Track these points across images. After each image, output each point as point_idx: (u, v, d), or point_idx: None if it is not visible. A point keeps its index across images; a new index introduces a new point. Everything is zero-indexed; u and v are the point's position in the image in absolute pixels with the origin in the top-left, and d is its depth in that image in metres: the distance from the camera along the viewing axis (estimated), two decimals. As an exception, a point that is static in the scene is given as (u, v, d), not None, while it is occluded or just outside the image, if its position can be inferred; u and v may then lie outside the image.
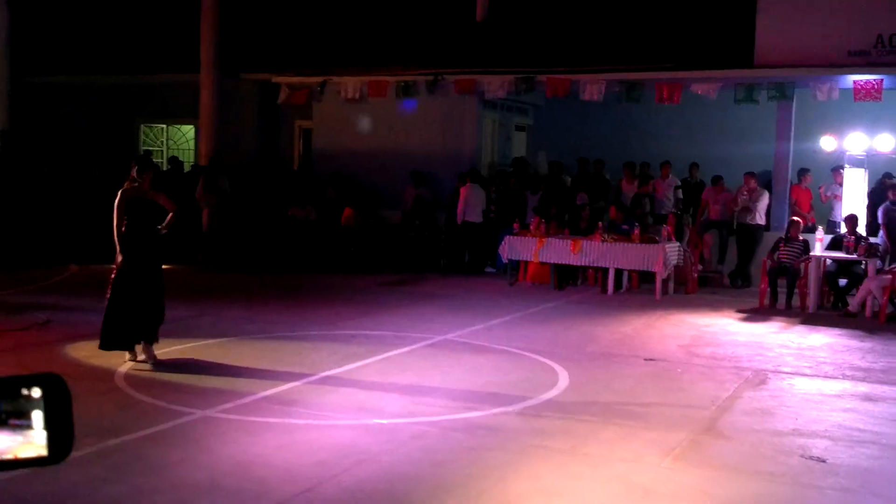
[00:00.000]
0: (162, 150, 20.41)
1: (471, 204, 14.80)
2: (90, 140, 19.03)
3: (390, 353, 8.73)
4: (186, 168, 18.38)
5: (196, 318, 10.41)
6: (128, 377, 7.53)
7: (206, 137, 17.39)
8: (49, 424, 1.62)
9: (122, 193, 8.02)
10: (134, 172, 8.08)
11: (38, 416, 1.62)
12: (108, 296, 8.00)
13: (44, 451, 1.63)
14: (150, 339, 8.12)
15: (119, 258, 8.04)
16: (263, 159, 18.09)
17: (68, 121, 19.95)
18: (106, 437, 5.90)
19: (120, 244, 8.02)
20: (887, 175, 14.50)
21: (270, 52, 17.85)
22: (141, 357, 8.08)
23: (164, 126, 20.59)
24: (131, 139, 20.16)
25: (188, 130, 20.17)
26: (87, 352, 8.38)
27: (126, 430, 6.09)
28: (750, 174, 14.12)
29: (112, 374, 7.58)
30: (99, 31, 19.53)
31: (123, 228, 7.98)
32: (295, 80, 17.21)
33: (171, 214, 8.10)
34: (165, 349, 8.59)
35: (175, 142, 20.60)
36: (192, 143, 19.93)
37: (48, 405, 1.62)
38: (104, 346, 8.00)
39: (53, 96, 20.31)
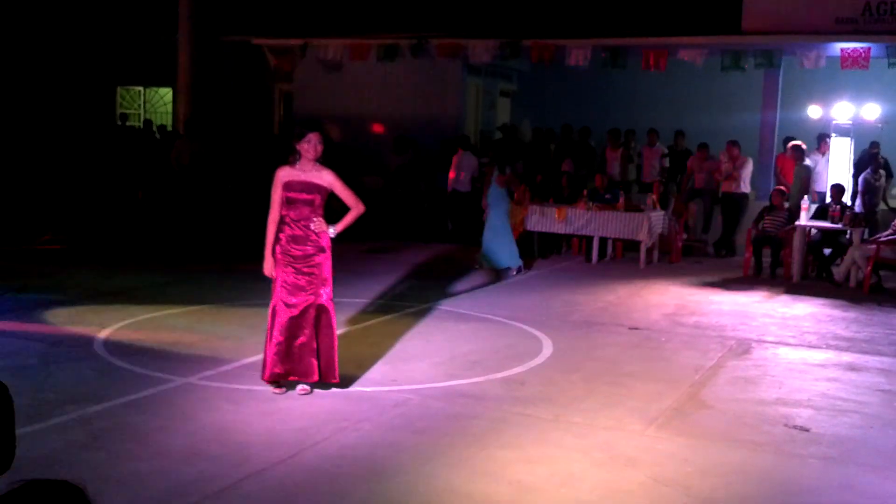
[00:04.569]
0: (139, 114, 20.17)
1: (462, 172, 14.61)
2: (66, 102, 18.75)
3: (371, 321, 8.67)
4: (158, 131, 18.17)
5: (175, 284, 10.31)
6: (107, 344, 7.42)
7: (183, 100, 17.17)
8: None
9: (277, 172, 6.14)
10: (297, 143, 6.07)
11: None
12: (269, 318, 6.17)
13: None
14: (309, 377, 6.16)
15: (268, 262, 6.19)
16: (243, 123, 17.88)
17: (44, 83, 19.64)
18: (86, 404, 5.84)
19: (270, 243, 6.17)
20: (874, 144, 14.50)
21: (250, 14, 17.58)
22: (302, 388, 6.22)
23: (142, 89, 20.33)
24: (108, 103, 19.90)
25: (166, 94, 19.92)
26: (64, 317, 8.29)
27: (106, 396, 6.01)
28: (732, 142, 14.08)
29: (91, 341, 7.48)
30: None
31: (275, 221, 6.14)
32: (275, 42, 16.97)
33: (351, 214, 6.27)
34: (144, 316, 8.51)
35: (152, 105, 20.36)
36: (169, 107, 19.70)
37: None
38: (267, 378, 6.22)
39: (29, 57, 19.98)
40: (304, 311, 6.08)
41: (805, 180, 13.61)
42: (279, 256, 6.13)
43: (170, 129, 18.44)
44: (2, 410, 1.50)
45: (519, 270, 11.84)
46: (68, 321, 8.14)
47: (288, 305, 6.07)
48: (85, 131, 15.79)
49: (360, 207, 6.27)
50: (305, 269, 6.11)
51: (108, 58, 19.40)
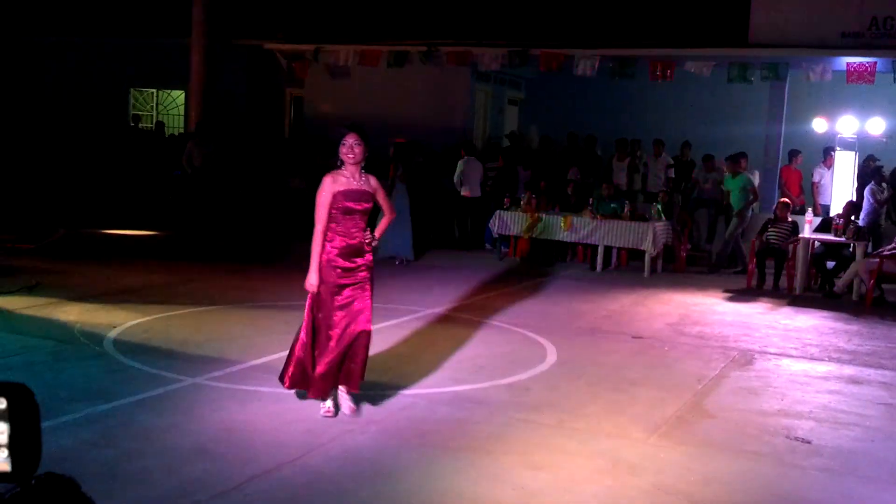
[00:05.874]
0: (151, 115, 20.30)
1: (468, 177, 14.61)
2: (80, 103, 18.90)
3: (379, 325, 8.70)
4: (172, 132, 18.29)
5: (184, 284, 10.39)
6: (117, 342, 7.50)
7: (195, 103, 17.30)
8: (14, 438, 1.48)
9: (326, 179, 5.71)
10: (345, 147, 5.71)
11: (1, 429, 1.48)
12: (304, 324, 5.84)
13: (7, 467, 1.49)
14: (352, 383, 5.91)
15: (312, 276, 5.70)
16: (254, 126, 18.01)
17: (58, 83, 19.78)
18: (95, 402, 5.91)
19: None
20: (871, 157, 14.55)
21: (262, 19, 17.72)
22: (346, 405, 5.95)
23: (154, 91, 20.46)
24: (121, 104, 20.04)
25: (178, 96, 20.04)
26: (76, 315, 8.37)
27: (116, 395, 6.08)
28: (740, 154, 14.08)
29: (102, 339, 7.56)
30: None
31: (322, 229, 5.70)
32: (287, 47, 17.10)
33: (385, 221, 6.11)
34: (153, 316, 8.58)
35: (165, 107, 20.48)
36: (181, 109, 19.83)
37: (13, 418, 1.48)
38: (292, 385, 5.94)
39: (43, 57, 20.11)
40: (344, 330, 5.75)
41: (752, 191, 13.58)
42: (324, 269, 5.71)
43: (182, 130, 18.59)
44: (30, 415, 1.52)
45: (404, 262, 12.58)
46: (79, 319, 8.22)
47: (330, 324, 5.73)
48: (98, 132, 15.89)
49: (393, 214, 6.19)
50: (355, 283, 5.78)
51: (121, 60, 19.54)
